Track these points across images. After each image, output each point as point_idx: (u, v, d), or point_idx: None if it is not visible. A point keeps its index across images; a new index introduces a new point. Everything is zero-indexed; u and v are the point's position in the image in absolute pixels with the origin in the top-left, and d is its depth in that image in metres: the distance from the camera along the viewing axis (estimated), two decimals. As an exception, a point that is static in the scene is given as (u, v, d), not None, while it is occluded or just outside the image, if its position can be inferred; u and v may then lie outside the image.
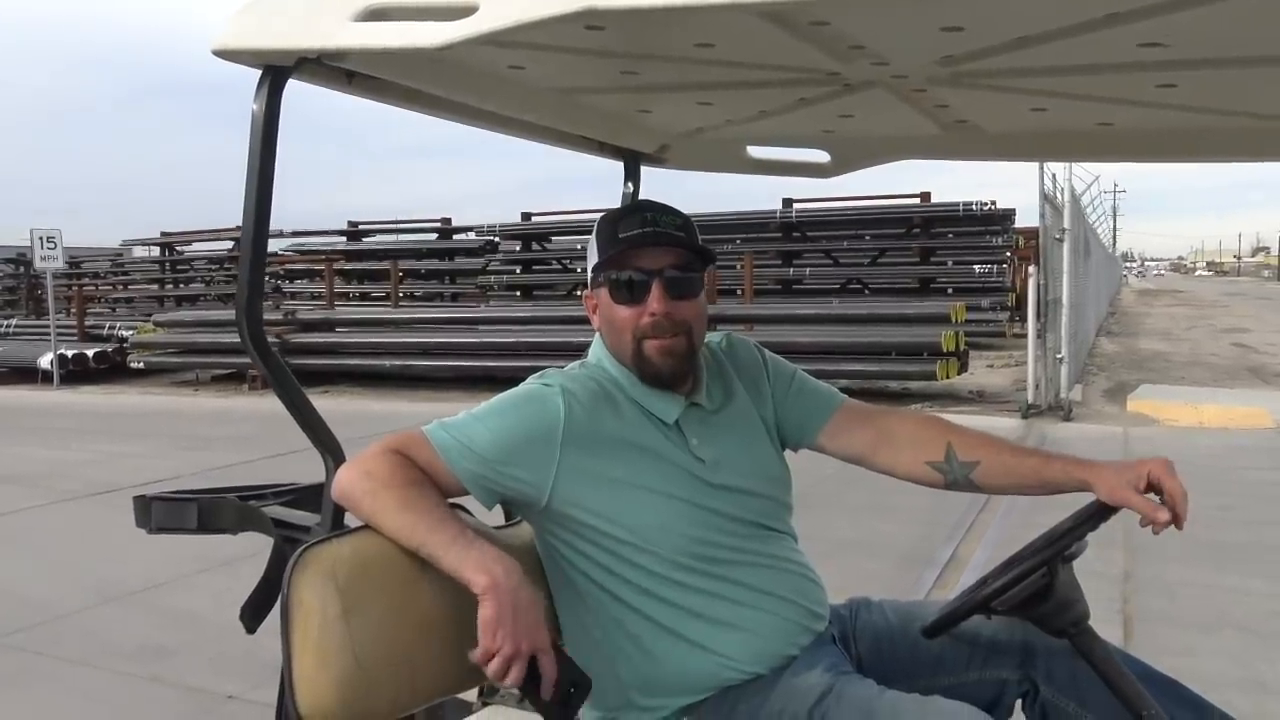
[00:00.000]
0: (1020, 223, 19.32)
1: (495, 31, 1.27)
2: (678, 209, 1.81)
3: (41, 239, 16.70)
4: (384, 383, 14.62)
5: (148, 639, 4.62)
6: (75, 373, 16.49)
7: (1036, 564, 1.68)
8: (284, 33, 1.54)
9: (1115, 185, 76.34)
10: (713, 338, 1.97)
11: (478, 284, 23.18)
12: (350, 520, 1.71)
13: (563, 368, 1.85)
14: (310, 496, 2.01)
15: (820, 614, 1.82)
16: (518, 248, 22.87)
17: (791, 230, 20.12)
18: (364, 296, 24.48)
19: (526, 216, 23.24)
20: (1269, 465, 8.09)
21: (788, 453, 1.97)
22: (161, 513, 2.01)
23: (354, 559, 1.59)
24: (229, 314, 16.66)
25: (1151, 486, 1.65)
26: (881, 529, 6.11)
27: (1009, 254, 19.12)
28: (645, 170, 2.46)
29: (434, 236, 25.62)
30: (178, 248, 28.09)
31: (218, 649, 4.32)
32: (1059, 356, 11.18)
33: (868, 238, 20.15)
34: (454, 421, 1.72)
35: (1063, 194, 11.97)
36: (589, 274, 1.85)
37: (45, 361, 16.33)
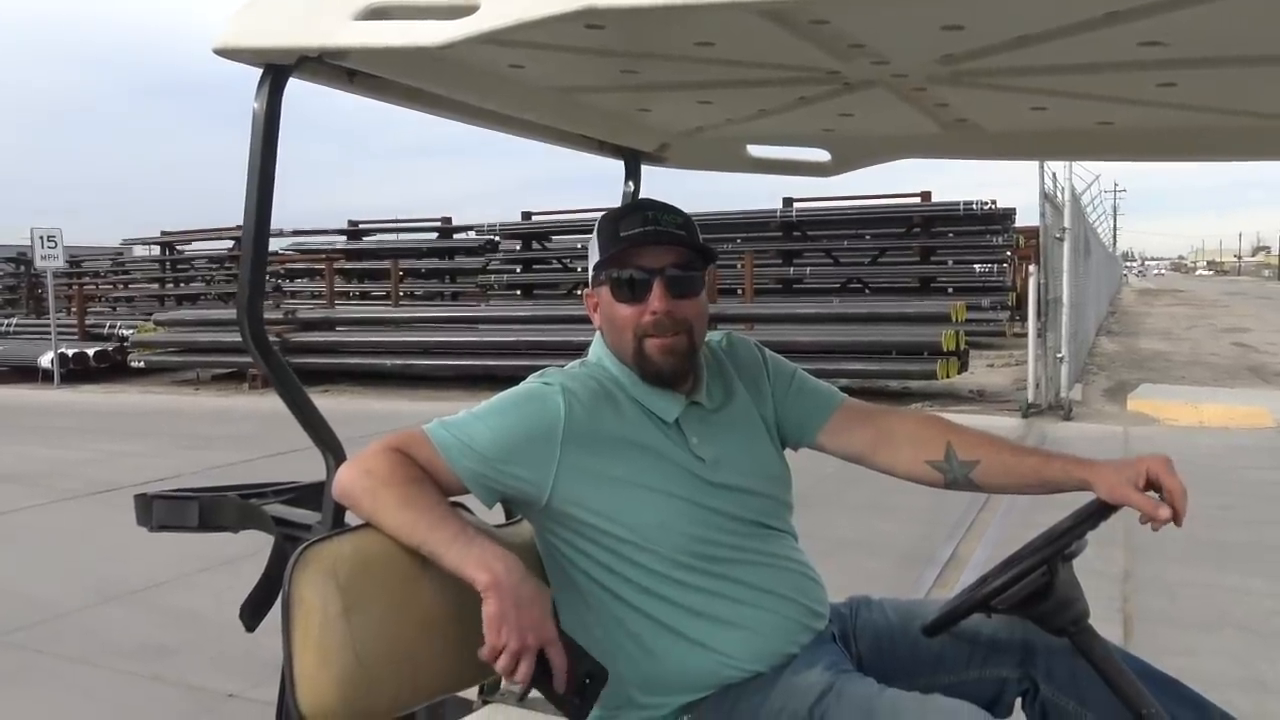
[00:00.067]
0: (1020, 222, 19.32)
1: (496, 30, 1.27)
2: (679, 208, 1.81)
3: (42, 238, 16.71)
4: (384, 382, 14.63)
5: (148, 638, 4.63)
6: (76, 372, 16.49)
7: (1036, 563, 1.68)
8: (285, 31, 1.54)
9: (1115, 184, 76.42)
10: (713, 337, 1.97)
11: (478, 283, 23.19)
12: (351, 519, 1.72)
13: (563, 366, 1.86)
14: (311, 495, 2.01)
15: (820, 612, 1.82)
16: (518, 247, 22.87)
17: (792, 229, 20.11)
18: (364, 296, 24.49)
19: (527, 216, 23.25)
20: (1269, 465, 8.09)
21: (788, 452, 1.98)
22: (163, 511, 2.01)
23: (355, 557, 1.60)
24: (229, 313, 16.66)
25: (1151, 484, 1.65)
26: (882, 528, 6.11)
27: (1009, 253, 19.13)
28: (646, 169, 2.46)
29: (434, 236, 25.62)
30: (178, 247, 28.09)
31: (218, 647, 4.32)
32: (1059, 356, 11.18)
33: (868, 237, 20.14)
34: (454, 420, 1.72)
35: (1063, 193, 11.97)
36: (590, 273, 1.86)
37: (46, 360, 16.33)
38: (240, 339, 1.71)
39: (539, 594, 1.57)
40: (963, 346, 12.05)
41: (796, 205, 19.79)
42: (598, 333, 1.88)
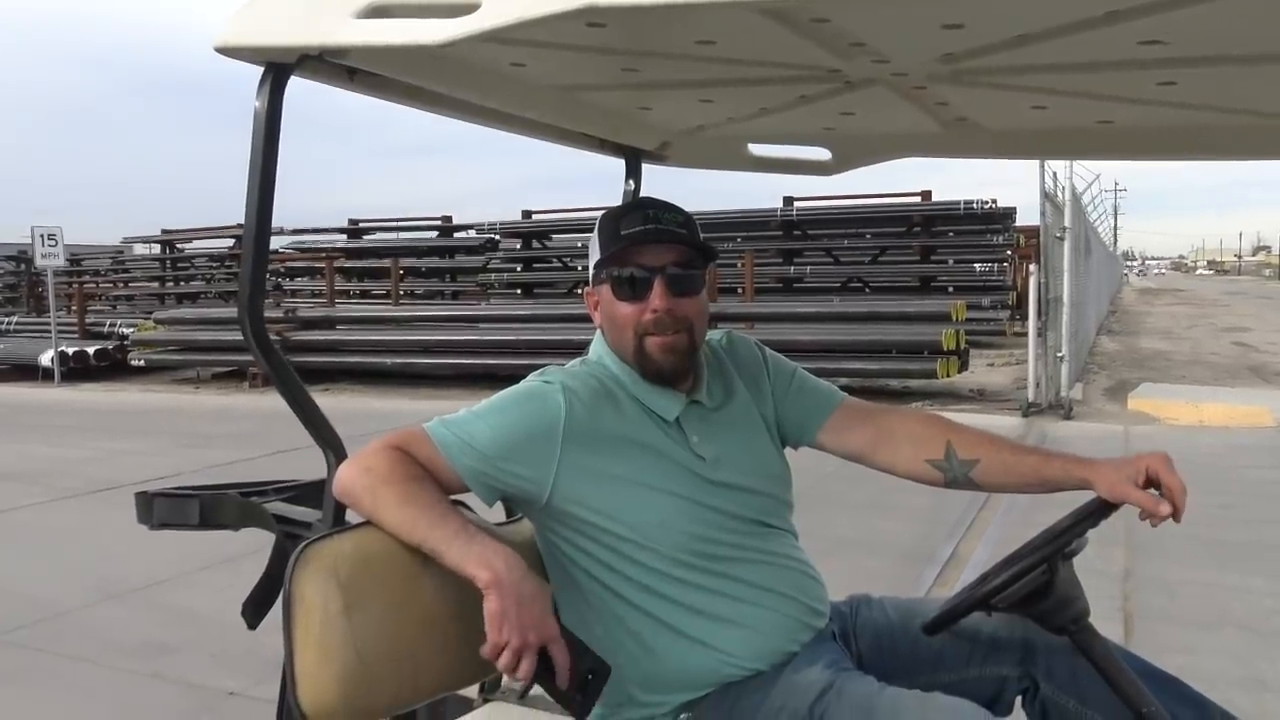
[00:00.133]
0: (1021, 221, 19.31)
1: (497, 28, 1.27)
2: (679, 206, 1.81)
3: (42, 236, 16.71)
4: (385, 380, 14.63)
5: (149, 636, 4.63)
6: (76, 370, 16.49)
7: (1037, 561, 1.68)
8: (286, 30, 1.54)
9: (1116, 184, 76.37)
10: (713, 335, 1.97)
11: (478, 282, 23.20)
12: (352, 516, 1.72)
13: (564, 365, 1.86)
14: (312, 493, 2.01)
15: (820, 611, 1.82)
16: (518, 246, 22.88)
17: (792, 228, 20.12)
18: (364, 294, 24.50)
19: (527, 214, 23.26)
20: (1270, 464, 8.09)
21: (788, 451, 1.98)
22: (163, 509, 2.01)
23: (355, 555, 1.60)
24: (230, 311, 16.67)
25: (1151, 481, 1.65)
26: (882, 527, 6.11)
27: (1010, 252, 19.12)
28: (647, 168, 2.46)
29: (435, 234, 25.64)
30: (178, 245, 28.10)
31: (219, 646, 4.33)
32: (1060, 355, 11.17)
33: (868, 236, 20.15)
34: (455, 418, 1.72)
35: (1063, 192, 11.96)
36: (591, 271, 1.86)
37: (46, 359, 16.34)
38: (240, 337, 1.71)
39: (540, 591, 1.58)
40: (963, 346, 12.05)
41: (797, 204, 19.80)
42: (598, 331, 1.88)
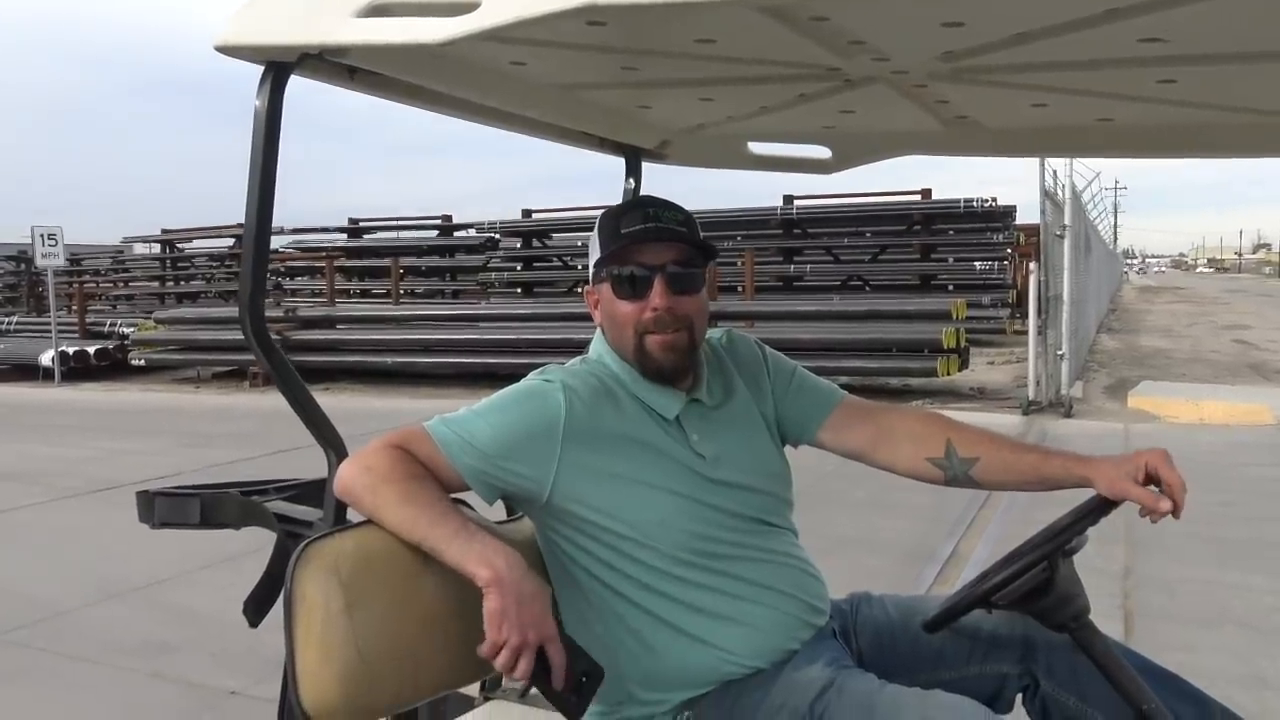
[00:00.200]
0: (1021, 219, 19.31)
1: (497, 27, 1.27)
2: (679, 205, 1.82)
3: (42, 236, 16.72)
4: (385, 379, 14.63)
5: (150, 635, 4.63)
6: (76, 370, 16.50)
7: (1037, 559, 1.68)
8: (286, 29, 1.54)
9: (1116, 182, 76.23)
10: (713, 334, 1.98)
11: (479, 281, 23.20)
12: (353, 515, 1.72)
13: (564, 364, 1.86)
14: (313, 491, 2.01)
15: (821, 609, 1.82)
16: (518, 245, 22.87)
17: (792, 227, 20.11)
18: (365, 294, 24.50)
19: (527, 213, 23.26)
20: (1270, 462, 8.09)
21: (788, 449, 1.98)
22: (165, 508, 2.01)
23: (357, 553, 1.60)
24: (230, 311, 16.67)
25: (1150, 478, 1.65)
26: (883, 525, 6.12)
27: (1010, 251, 19.12)
28: (647, 166, 2.46)
29: (435, 233, 25.63)
30: (178, 245, 28.09)
31: (220, 645, 4.33)
32: (1060, 353, 11.18)
33: (868, 234, 20.15)
34: (455, 417, 1.72)
35: (1063, 190, 11.96)
36: (591, 269, 1.86)
37: (46, 358, 16.34)
38: (241, 337, 1.72)
39: (540, 590, 1.58)
40: (963, 344, 12.06)
41: (797, 202, 19.79)
42: (598, 330, 1.88)
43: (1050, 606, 1.70)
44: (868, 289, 19.14)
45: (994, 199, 18.41)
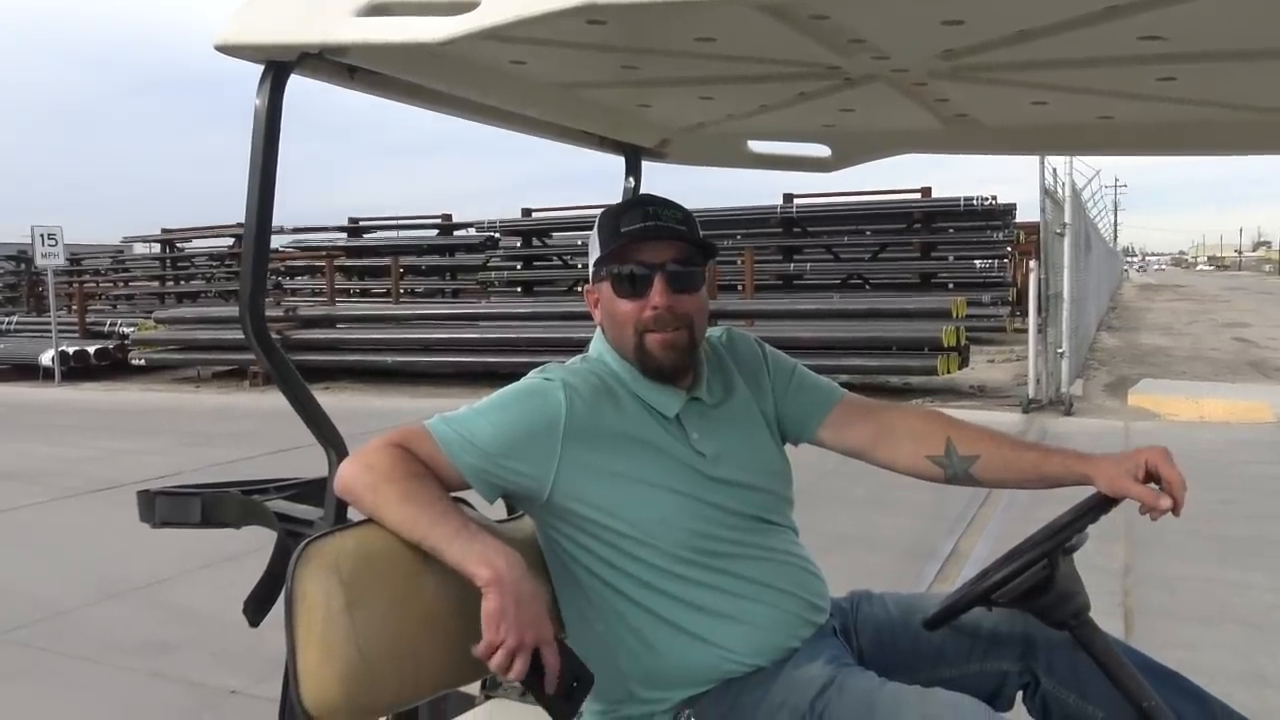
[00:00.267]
0: (1021, 218, 19.30)
1: (496, 26, 1.27)
2: (679, 203, 1.82)
3: (42, 236, 16.72)
4: (385, 379, 14.63)
5: (151, 634, 4.64)
6: (76, 369, 16.50)
7: (1037, 556, 1.68)
8: (286, 28, 1.54)
9: (1116, 180, 76.23)
10: (713, 332, 1.98)
11: (479, 280, 23.19)
12: (353, 514, 1.72)
13: (564, 362, 1.86)
14: (313, 491, 2.01)
15: (821, 607, 1.82)
16: (518, 244, 22.86)
17: (792, 225, 20.10)
18: (365, 293, 24.51)
19: (527, 212, 23.25)
20: (1270, 459, 8.09)
21: (788, 447, 1.98)
22: (165, 507, 2.01)
23: (357, 552, 1.60)
24: (230, 310, 16.68)
25: (1150, 475, 1.66)
26: (883, 523, 6.12)
27: (1010, 249, 19.11)
28: (646, 165, 2.46)
29: (435, 233, 25.63)
30: (178, 245, 28.10)
31: (221, 644, 4.33)
32: (1060, 351, 11.18)
33: (868, 233, 20.14)
34: (456, 415, 1.72)
35: (1063, 188, 11.96)
36: (591, 268, 1.86)
37: (46, 358, 16.34)
38: (241, 336, 1.72)
39: (539, 592, 1.58)
40: (963, 342, 12.06)
41: (797, 201, 19.78)
42: (599, 328, 1.88)
43: (1050, 604, 1.70)
44: (868, 287, 19.14)
45: (994, 197, 18.40)
